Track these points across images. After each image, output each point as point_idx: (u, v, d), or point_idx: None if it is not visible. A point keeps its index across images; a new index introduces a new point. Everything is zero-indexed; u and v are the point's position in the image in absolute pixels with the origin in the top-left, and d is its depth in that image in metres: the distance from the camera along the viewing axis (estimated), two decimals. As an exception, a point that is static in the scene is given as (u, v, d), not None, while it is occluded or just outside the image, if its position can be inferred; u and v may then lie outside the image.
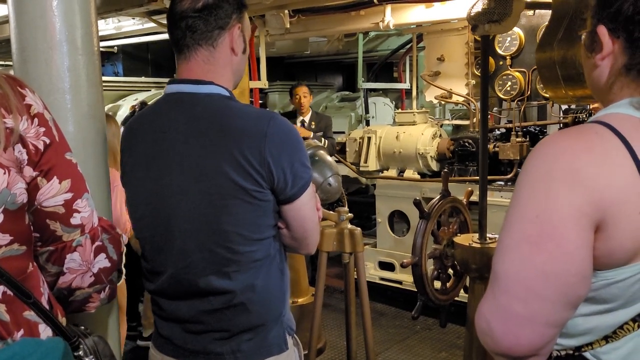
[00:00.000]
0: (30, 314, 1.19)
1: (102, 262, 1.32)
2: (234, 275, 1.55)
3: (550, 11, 2.55)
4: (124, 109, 6.46)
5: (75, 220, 1.26)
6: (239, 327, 1.58)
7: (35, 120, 1.20)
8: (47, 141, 1.21)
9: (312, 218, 1.65)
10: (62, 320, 1.29)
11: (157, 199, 1.60)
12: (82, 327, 1.35)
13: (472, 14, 2.95)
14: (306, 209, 1.61)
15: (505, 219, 1.11)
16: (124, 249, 1.48)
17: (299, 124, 5.76)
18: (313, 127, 5.69)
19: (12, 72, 1.56)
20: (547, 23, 2.55)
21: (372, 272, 5.64)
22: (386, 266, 5.64)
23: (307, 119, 5.79)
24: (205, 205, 1.52)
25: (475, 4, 2.97)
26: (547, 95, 4.51)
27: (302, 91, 5.78)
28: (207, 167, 1.51)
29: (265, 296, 1.59)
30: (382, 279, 5.61)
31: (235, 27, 1.62)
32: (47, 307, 1.24)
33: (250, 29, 1.72)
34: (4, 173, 1.12)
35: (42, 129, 1.21)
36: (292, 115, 5.87)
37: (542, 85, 4.59)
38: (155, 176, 1.59)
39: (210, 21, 1.59)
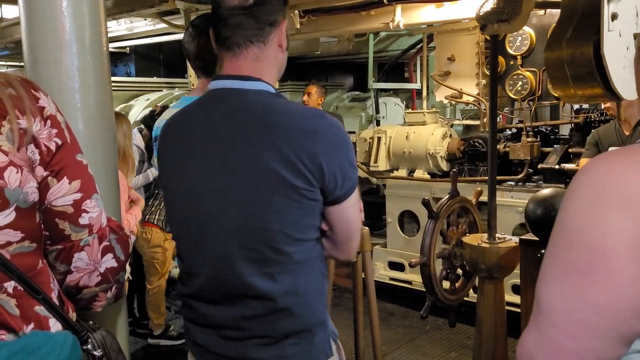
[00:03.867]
0: (40, 309, 1.23)
1: (109, 262, 1.35)
2: (276, 276, 1.48)
3: (559, 11, 2.55)
4: (136, 109, 6.50)
5: (84, 220, 1.28)
6: (284, 332, 1.51)
7: (48, 122, 1.24)
8: (59, 142, 1.25)
9: (357, 220, 1.60)
10: (73, 316, 1.32)
11: (197, 197, 1.54)
12: (91, 322, 1.37)
13: (481, 14, 2.94)
14: (352, 211, 1.56)
15: (550, 245, 1.02)
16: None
17: None
18: None
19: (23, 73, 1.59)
20: (556, 22, 2.55)
21: (382, 272, 5.64)
22: (396, 266, 5.64)
23: None
24: (249, 202, 1.47)
25: (484, 4, 2.96)
26: (557, 95, 4.50)
27: (308, 90, 5.79)
28: (254, 163, 1.45)
29: (309, 300, 1.53)
30: (392, 279, 5.61)
31: (283, 22, 1.59)
32: (57, 302, 1.27)
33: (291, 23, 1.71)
34: (17, 172, 1.16)
35: (55, 131, 1.24)
36: None
37: (551, 85, 4.58)
38: (196, 174, 1.54)
39: (261, 18, 1.54)
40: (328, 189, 1.48)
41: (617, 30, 2.28)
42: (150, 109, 5.19)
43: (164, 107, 4.93)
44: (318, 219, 1.52)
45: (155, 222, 4.57)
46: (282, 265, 1.49)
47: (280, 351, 1.51)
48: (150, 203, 4.66)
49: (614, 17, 2.24)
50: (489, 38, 4.53)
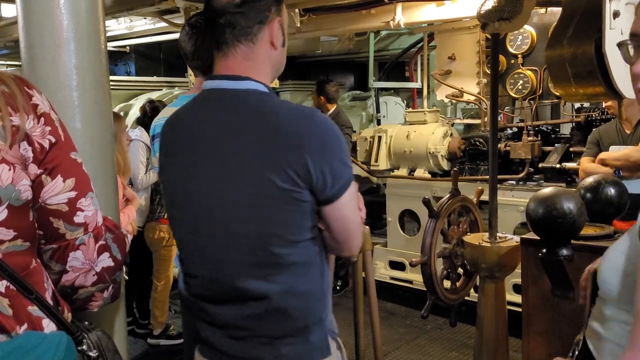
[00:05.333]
0: (33, 309, 1.21)
1: (105, 261, 1.33)
2: (272, 278, 1.49)
3: (561, 9, 2.54)
4: (136, 108, 6.49)
5: (79, 218, 1.27)
6: (280, 332, 1.53)
7: (42, 119, 1.23)
8: (53, 140, 1.23)
9: (354, 219, 1.57)
10: (68, 316, 1.30)
11: (192, 199, 1.55)
12: (87, 323, 1.35)
13: (482, 12, 2.93)
14: (347, 209, 1.53)
15: None
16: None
17: None
18: None
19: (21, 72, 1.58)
20: (557, 20, 2.54)
21: (383, 272, 5.63)
22: (397, 265, 5.62)
23: None
24: (241, 205, 1.47)
25: (485, 2, 2.95)
26: (558, 94, 4.48)
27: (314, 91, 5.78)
28: (244, 166, 1.46)
29: (305, 300, 1.53)
30: (393, 278, 5.60)
31: (275, 20, 1.56)
32: (51, 302, 1.25)
33: (287, 20, 1.65)
34: (10, 169, 1.15)
35: (48, 128, 1.23)
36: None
37: (553, 84, 4.56)
38: (191, 176, 1.55)
39: (251, 16, 1.53)
40: (317, 189, 1.46)
41: (618, 28, 2.27)
42: (140, 112, 5.16)
43: (153, 105, 4.92)
44: (311, 219, 1.50)
45: None
46: (277, 267, 1.49)
47: (277, 350, 1.53)
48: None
49: (615, 14, 2.23)
50: (489, 37, 4.53)
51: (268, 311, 1.51)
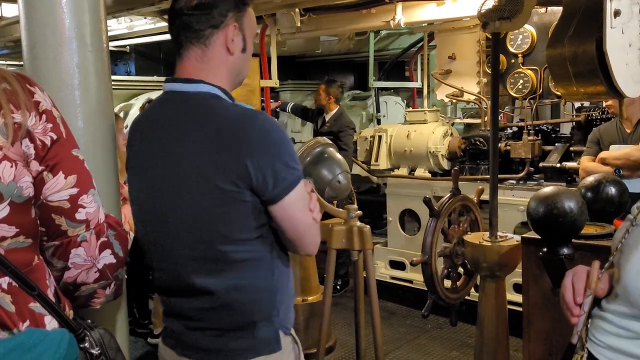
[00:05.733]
0: (35, 306, 1.21)
1: (107, 258, 1.34)
2: (218, 274, 1.56)
3: (562, 8, 2.53)
4: (136, 108, 6.50)
5: (80, 215, 1.27)
6: (227, 326, 1.60)
7: (43, 116, 1.23)
8: (54, 137, 1.24)
9: (303, 219, 1.60)
10: (69, 313, 1.31)
11: (148, 197, 1.63)
12: (89, 321, 1.36)
13: (483, 11, 2.93)
14: (294, 210, 1.57)
15: None
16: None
17: (319, 122, 5.74)
18: (327, 127, 5.62)
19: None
20: (558, 20, 2.53)
21: (383, 271, 5.63)
22: (397, 265, 5.62)
23: (327, 117, 5.70)
24: (187, 204, 1.53)
25: (486, 1, 2.95)
26: (559, 93, 4.48)
27: (319, 89, 5.73)
28: (187, 167, 1.52)
29: (252, 296, 1.59)
30: (393, 278, 5.60)
31: (230, 25, 1.60)
32: (53, 299, 1.26)
33: (254, 27, 1.69)
34: (11, 166, 1.15)
35: (50, 125, 1.24)
36: (321, 111, 5.84)
37: (554, 83, 4.57)
38: (146, 175, 1.62)
39: (203, 20, 1.58)
40: (259, 190, 1.51)
41: (619, 27, 2.27)
42: (140, 112, 5.16)
43: (150, 102, 4.92)
44: (255, 218, 1.54)
45: None
46: (221, 264, 1.55)
47: (225, 344, 1.60)
48: None
49: (616, 13, 2.23)
50: (489, 36, 4.53)
51: (215, 306, 1.58)
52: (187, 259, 1.57)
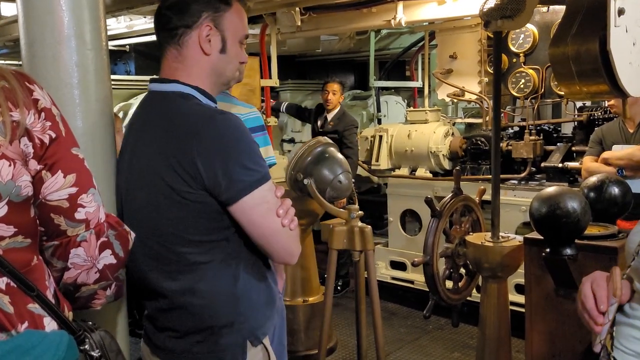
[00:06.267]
0: (34, 307, 1.20)
1: (107, 258, 1.31)
2: (174, 275, 1.55)
3: (564, 7, 2.51)
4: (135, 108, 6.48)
5: (80, 215, 1.25)
6: (185, 329, 1.58)
7: (42, 114, 1.21)
8: (53, 135, 1.22)
9: (265, 224, 1.53)
10: (69, 315, 1.29)
11: (118, 196, 1.68)
12: (90, 322, 1.34)
13: (485, 10, 2.92)
14: (253, 214, 1.51)
15: None
16: None
17: (319, 121, 5.71)
18: (331, 126, 5.57)
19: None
20: (560, 18, 2.51)
21: (384, 272, 5.61)
22: (398, 265, 5.61)
23: (330, 116, 5.65)
24: (144, 204, 1.55)
25: (487, 0, 2.93)
26: (561, 92, 4.46)
27: (331, 88, 5.68)
28: (145, 165, 1.54)
29: (208, 300, 1.56)
30: (394, 278, 5.58)
31: (203, 25, 1.59)
32: (52, 300, 1.24)
33: (239, 28, 1.67)
34: (10, 165, 1.14)
35: (49, 123, 1.22)
36: (321, 110, 5.75)
37: (556, 83, 4.54)
38: (121, 173, 1.68)
39: (176, 19, 1.58)
40: (213, 192, 1.49)
41: (623, 26, 2.25)
42: None
43: None
44: (210, 220, 1.52)
45: None
46: (178, 265, 1.54)
47: (187, 346, 1.59)
48: None
49: (620, 12, 2.21)
50: (491, 35, 4.50)
51: (171, 308, 1.58)
52: (145, 259, 1.58)
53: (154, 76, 1.67)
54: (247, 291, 1.60)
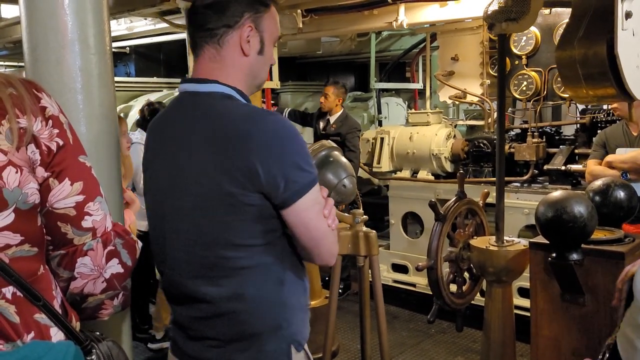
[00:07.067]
0: (41, 317, 1.18)
1: (114, 267, 1.29)
2: (220, 281, 1.50)
3: (570, 9, 2.50)
4: (136, 110, 6.45)
5: (87, 223, 1.24)
6: (229, 337, 1.53)
7: (50, 122, 1.21)
8: (61, 143, 1.21)
9: (317, 225, 1.51)
10: (76, 325, 1.27)
11: (156, 201, 1.60)
12: (97, 333, 1.33)
13: (489, 12, 2.90)
14: (307, 215, 1.49)
15: None
16: None
17: (321, 124, 5.68)
18: (334, 128, 5.53)
19: (24, 74, 1.55)
20: (567, 21, 2.50)
21: (385, 275, 5.58)
22: (399, 268, 5.59)
23: (332, 119, 5.59)
24: (191, 207, 1.49)
25: (491, 2, 2.92)
26: (566, 95, 4.45)
27: (325, 91, 5.64)
28: (194, 169, 1.48)
29: (256, 306, 1.51)
30: (396, 281, 5.56)
31: (245, 26, 1.55)
32: (59, 311, 1.22)
33: (276, 30, 1.64)
34: (16, 172, 1.13)
35: (56, 131, 1.21)
36: (323, 113, 5.72)
37: (558, 85, 4.53)
38: (156, 178, 1.60)
39: (217, 18, 1.54)
40: (269, 194, 1.44)
41: (630, 29, 2.23)
42: (139, 115, 5.11)
43: (151, 107, 4.88)
44: (262, 223, 1.48)
45: None
46: (225, 270, 1.49)
47: (229, 355, 1.53)
48: None
49: (628, 15, 2.19)
50: (494, 37, 4.49)
51: (216, 315, 1.52)
52: (190, 265, 1.52)
53: (188, 76, 1.60)
54: (291, 295, 1.57)
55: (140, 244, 1.38)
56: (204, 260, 1.50)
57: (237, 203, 1.44)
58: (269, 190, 1.43)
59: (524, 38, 4.73)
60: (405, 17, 4.87)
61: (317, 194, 1.52)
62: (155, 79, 7.60)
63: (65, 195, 1.21)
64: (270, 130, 1.45)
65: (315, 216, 1.51)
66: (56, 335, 1.20)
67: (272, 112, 1.55)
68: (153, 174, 1.63)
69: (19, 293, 1.15)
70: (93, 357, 1.25)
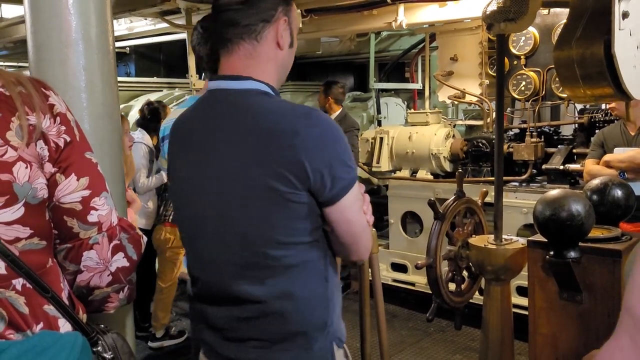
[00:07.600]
0: (49, 308, 1.22)
1: (120, 261, 1.33)
2: (266, 281, 1.46)
3: (568, 10, 2.52)
4: (136, 110, 6.47)
5: (92, 217, 1.27)
6: (276, 337, 1.49)
7: (58, 119, 1.24)
8: (68, 139, 1.25)
9: (359, 221, 1.51)
10: (83, 317, 1.31)
11: (191, 200, 1.56)
12: (102, 325, 1.36)
13: (488, 13, 2.92)
14: (350, 212, 1.48)
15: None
16: None
17: None
18: None
19: (28, 73, 1.57)
20: (565, 21, 2.52)
21: (385, 274, 5.61)
22: (399, 268, 5.61)
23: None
24: (233, 206, 1.46)
25: (490, 3, 2.94)
26: (564, 95, 4.47)
27: (320, 90, 5.69)
28: (235, 167, 1.44)
29: (304, 304, 1.48)
30: (395, 280, 5.58)
31: (281, 19, 1.53)
32: (67, 302, 1.26)
33: (298, 21, 1.64)
34: (26, 167, 1.16)
35: (64, 128, 1.25)
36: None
37: (557, 85, 4.55)
38: (189, 177, 1.55)
39: (254, 14, 1.50)
40: (316, 191, 1.42)
41: (627, 29, 2.26)
42: (139, 115, 5.12)
43: (151, 107, 4.90)
44: (309, 221, 1.46)
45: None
46: (271, 270, 1.46)
47: (274, 355, 1.49)
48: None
49: (625, 15, 2.22)
50: (493, 38, 4.51)
51: (263, 315, 1.48)
52: (231, 265, 1.48)
53: (219, 74, 1.56)
54: (334, 292, 1.55)
55: (145, 238, 1.41)
56: (248, 260, 1.47)
57: (285, 201, 1.41)
58: (316, 187, 1.41)
59: (523, 38, 4.76)
60: (404, 17, 4.90)
61: (358, 190, 1.51)
62: (155, 79, 7.61)
63: (71, 190, 1.24)
64: (317, 128, 1.42)
65: (357, 212, 1.51)
66: (64, 326, 1.24)
67: (314, 108, 1.51)
68: (182, 176, 1.59)
69: (28, 285, 1.19)
70: (99, 348, 1.29)
